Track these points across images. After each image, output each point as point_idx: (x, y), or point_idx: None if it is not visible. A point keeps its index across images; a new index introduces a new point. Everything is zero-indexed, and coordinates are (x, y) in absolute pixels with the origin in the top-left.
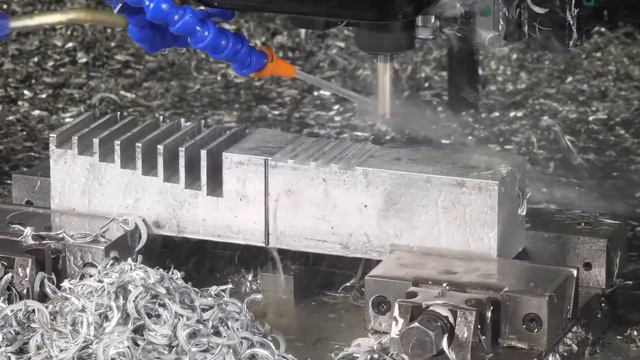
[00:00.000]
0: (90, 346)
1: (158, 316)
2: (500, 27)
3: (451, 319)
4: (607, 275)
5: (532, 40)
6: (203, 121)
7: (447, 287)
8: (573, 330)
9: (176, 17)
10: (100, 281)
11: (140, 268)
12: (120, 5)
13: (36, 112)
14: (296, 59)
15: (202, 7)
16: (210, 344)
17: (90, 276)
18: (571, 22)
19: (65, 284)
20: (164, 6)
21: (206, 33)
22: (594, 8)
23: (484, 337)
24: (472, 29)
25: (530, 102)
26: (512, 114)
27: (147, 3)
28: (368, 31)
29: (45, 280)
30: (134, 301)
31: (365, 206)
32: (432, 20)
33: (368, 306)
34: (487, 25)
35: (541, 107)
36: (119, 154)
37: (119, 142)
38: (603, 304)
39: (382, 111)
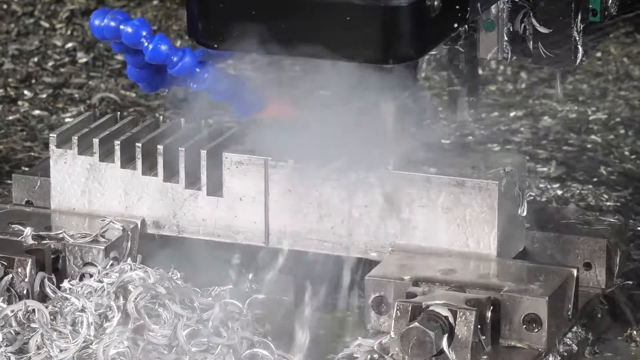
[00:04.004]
0: (90, 346)
1: (158, 316)
2: (504, 42)
3: (451, 319)
4: (607, 275)
5: (537, 56)
6: (203, 121)
7: (447, 287)
8: (573, 330)
9: (175, 59)
10: (100, 281)
11: (140, 268)
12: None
13: (36, 112)
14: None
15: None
16: (210, 344)
17: (90, 276)
18: (577, 38)
19: (65, 284)
20: (163, 48)
21: (206, 75)
22: (600, 23)
23: (484, 337)
24: (475, 44)
25: (530, 102)
26: (512, 114)
27: (146, 44)
28: (371, 72)
29: (45, 280)
30: (134, 301)
31: (365, 206)
32: None
33: (368, 306)
34: (491, 40)
35: (541, 107)
36: (119, 154)
37: (118, 142)
38: (603, 304)
39: (386, 154)
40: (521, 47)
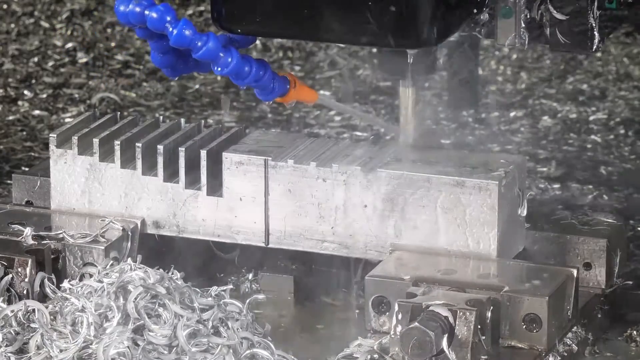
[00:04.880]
0: (90, 346)
1: (158, 316)
2: (521, 29)
3: (451, 319)
4: (607, 275)
5: (554, 43)
6: (203, 121)
7: (447, 287)
8: (573, 330)
9: (199, 44)
10: (100, 281)
11: (140, 268)
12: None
13: (36, 112)
14: (296, 59)
15: (224, 33)
16: (210, 344)
17: (90, 276)
18: (594, 25)
19: (65, 284)
20: (187, 32)
21: (229, 59)
22: (616, 10)
23: (484, 337)
24: (493, 31)
25: (530, 102)
26: (512, 114)
27: (171, 29)
28: (389, 55)
29: (45, 280)
30: (134, 301)
31: (365, 206)
32: None
33: (368, 306)
34: (508, 26)
35: (541, 107)
36: (118, 154)
37: (119, 142)
38: (603, 304)
39: (405, 137)
40: (539, 33)
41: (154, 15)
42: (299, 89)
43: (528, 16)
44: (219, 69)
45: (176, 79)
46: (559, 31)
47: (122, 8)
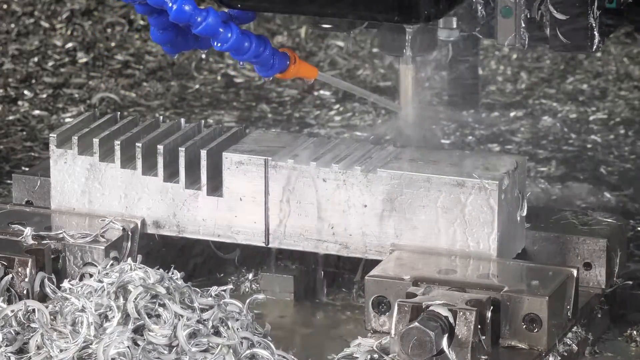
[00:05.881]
0: (90, 346)
1: (158, 316)
2: (521, 29)
3: (451, 319)
4: (607, 275)
5: (554, 43)
6: (203, 121)
7: (447, 287)
8: (573, 330)
9: (199, 19)
10: (100, 281)
11: (140, 268)
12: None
13: (36, 112)
14: None
15: (224, 9)
16: (210, 344)
17: (90, 276)
18: (594, 25)
19: (65, 284)
20: (187, 8)
21: (229, 35)
22: (616, 9)
23: (484, 337)
24: (492, 30)
25: (530, 102)
26: (512, 114)
27: (170, 5)
28: (390, 33)
29: (45, 280)
30: (134, 301)
31: (365, 206)
32: (454, 23)
33: (368, 306)
34: (508, 26)
35: (541, 107)
36: (119, 154)
37: (119, 142)
38: (603, 304)
39: (404, 113)
40: (538, 33)
41: None
42: (299, 65)
43: (528, 16)
44: (219, 44)
45: (175, 56)
46: (559, 31)
47: None
